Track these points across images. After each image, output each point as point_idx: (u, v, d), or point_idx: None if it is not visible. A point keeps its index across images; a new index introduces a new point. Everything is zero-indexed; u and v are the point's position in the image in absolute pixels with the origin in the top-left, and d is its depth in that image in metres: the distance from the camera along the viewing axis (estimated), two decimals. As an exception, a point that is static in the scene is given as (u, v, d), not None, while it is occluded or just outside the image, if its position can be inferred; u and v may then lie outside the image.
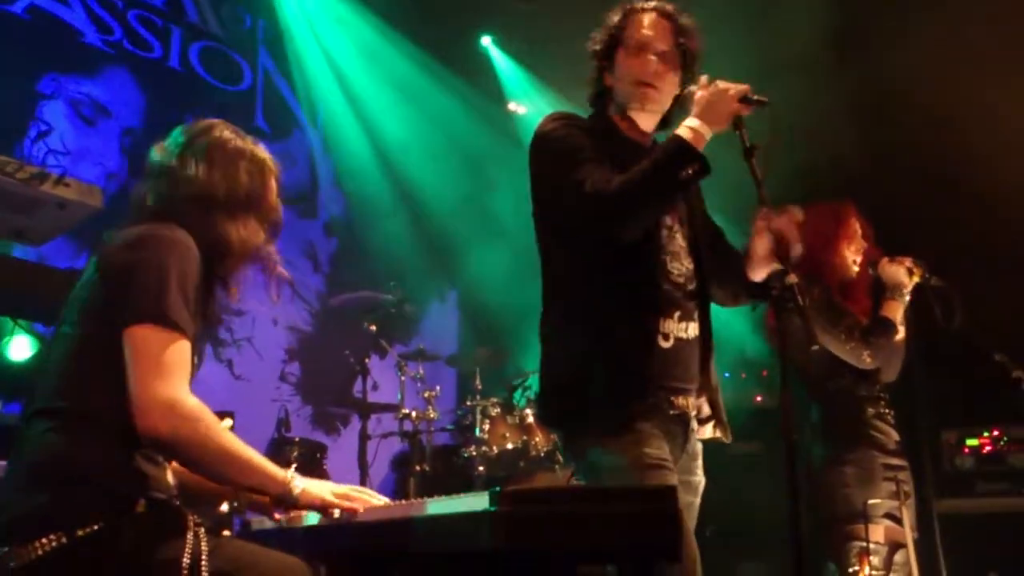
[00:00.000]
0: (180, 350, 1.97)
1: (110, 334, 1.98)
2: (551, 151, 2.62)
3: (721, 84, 2.52)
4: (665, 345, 2.55)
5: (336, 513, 2.14)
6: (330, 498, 2.14)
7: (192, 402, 1.96)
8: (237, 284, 2.34)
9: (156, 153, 2.27)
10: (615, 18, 2.76)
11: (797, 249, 2.45)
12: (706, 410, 2.71)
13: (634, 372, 2.50)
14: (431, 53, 7.67)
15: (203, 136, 2.29)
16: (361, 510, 2.13)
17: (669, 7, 2.74)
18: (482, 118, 7.92)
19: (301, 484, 2.10)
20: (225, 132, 2.31)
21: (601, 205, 2.44)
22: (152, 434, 1.92)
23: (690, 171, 2.44)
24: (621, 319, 2.52)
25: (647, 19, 2.71)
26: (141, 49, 6.34)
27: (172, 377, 1.94)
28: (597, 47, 2.77)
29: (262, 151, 2.35)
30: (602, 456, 2.45)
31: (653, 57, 2.66)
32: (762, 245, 2.61)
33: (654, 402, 2.51)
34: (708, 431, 2.73)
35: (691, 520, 2.64)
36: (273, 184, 2.36)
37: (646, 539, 1.65)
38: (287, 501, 2.10)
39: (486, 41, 8.17)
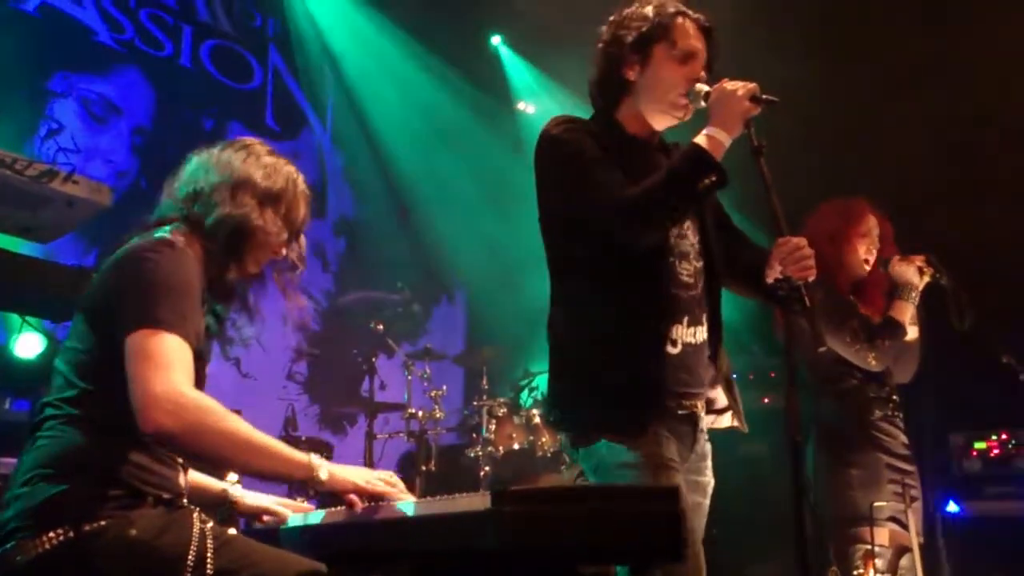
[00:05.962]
0: (175, 347, 1.96)
1: (112, 347, 1.98)
2: (562, 156, 2.56)
3: (728, 84, 2.47)
4: (673, 351, 2.53)
5: (357, 503, 2.07)
6: (363, 484, 2.10)
7: (194, 392, 1.94)
8: (250, 283, 2.35)
9: (194, 153, 2.32)
10: (648, 11, 2.62)
11: (811, 274, 2.42)
12: (722, 400, 2.69)
13: (643, 379, 2.47)
14: (440, 52, 7.68)
15: (245, 140, 2.36)
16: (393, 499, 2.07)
17: (708, 21, 2.65)
18: (490, 118, 7.93)
19: (328, 468, 2.07)
20: (266, 147, 2.38)
21: (619, 215, 2.42)
22: (157, 429, 1.87)
23: (708, 181, 2.41)
24: (630, 326, 2.49)
25: (691, 28, 2.61)
26: (152, 47, 6.36)
27: (169, 371, 1.92)
28: (630, 38, 2.61)
29: (301, 177, 2.39)
30: (610, 456, 2.43)
31: (703, 72, 2.59)
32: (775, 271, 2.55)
33: (662, 407, 2.49)
34: (726, 420, 2.71)
35: (700, 520, 2.61)
36: (304, 207, 2.38)
37: (648, 539, 1.65)
38: (314, 486, 2.06)
39: (496, 40, 8.19)
